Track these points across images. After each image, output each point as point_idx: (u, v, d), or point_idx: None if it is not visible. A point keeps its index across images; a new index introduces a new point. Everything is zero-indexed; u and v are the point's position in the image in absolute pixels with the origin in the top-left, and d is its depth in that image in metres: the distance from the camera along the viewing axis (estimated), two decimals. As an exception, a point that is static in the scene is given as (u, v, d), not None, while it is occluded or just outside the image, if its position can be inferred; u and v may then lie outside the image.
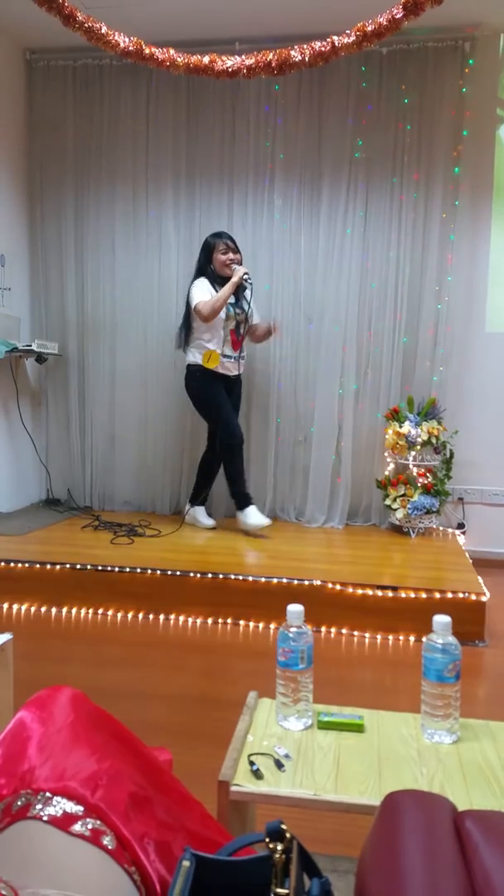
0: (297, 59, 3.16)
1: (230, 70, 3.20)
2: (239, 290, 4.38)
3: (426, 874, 0.84)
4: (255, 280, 4.47)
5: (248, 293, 4.43)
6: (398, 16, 2.96)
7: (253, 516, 4.46)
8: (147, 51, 3.22)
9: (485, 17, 4.44)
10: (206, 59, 3.22)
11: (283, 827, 0.94)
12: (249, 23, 4.49)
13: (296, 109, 4.77)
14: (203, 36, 4.56)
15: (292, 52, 3.15)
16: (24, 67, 5.07)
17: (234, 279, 4.27)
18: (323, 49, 3.14)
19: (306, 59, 3.16)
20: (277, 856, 0.91)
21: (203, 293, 4.32)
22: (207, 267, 4.41)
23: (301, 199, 4.82)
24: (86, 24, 3.12)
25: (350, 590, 3.52)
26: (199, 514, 4.69)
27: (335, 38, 3.12)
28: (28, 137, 5.12)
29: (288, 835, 0.94)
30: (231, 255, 4.38)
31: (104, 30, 3.17)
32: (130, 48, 3.20)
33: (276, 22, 4.45)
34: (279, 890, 0.87)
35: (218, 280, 4.36)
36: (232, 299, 4.36)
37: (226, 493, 4.68)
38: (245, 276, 4.30)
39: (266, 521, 4.48)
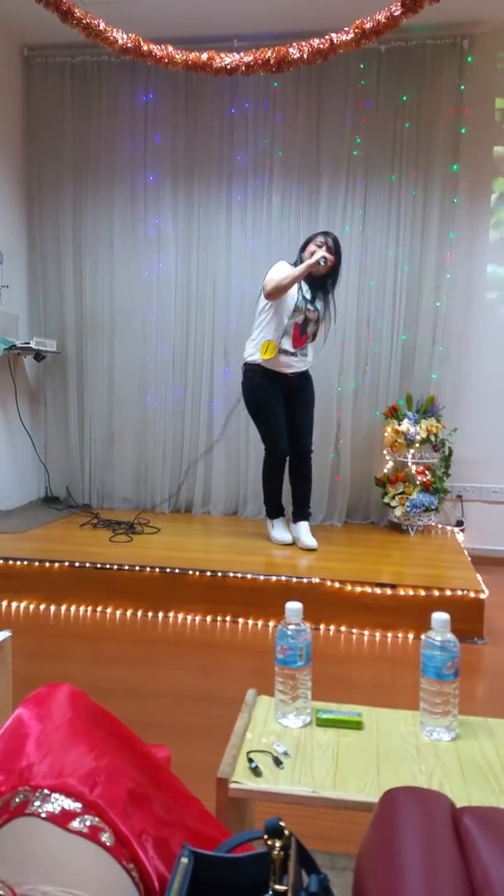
0: (295, 57, 3.16)
1: (229, 67, 3.20)
2: (319, 289, 4.14)
3: (425, 870, 0.84)
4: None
5: (328, 297, 4.17)
6: (397, 13, 2.96)
7: (278, 532, 4.32)
8: (145, 47, 3.22)
9: (483, 15, 4.44)
10: (204, 56, 3.22)
11: (282, 824, 0.94)
12: (248, 20, 4.49)
13: (294, 107, 4.77)
14: (201, 33, 4.56)
15: (291, 50, 3.15)
16: (21, 64, 5.06)
17: (311, 260, 3.93)
18: (321, 46, 3.13)
19: (305, 56, 3.16)
20: (276, 852, 0.91)
21: (277, 271, 4.01)
22: (298, 257, 4.13)
23: (300, 197, 4.82)
24: (84, 21, 3.11)
25: (349, 587, 3.52)
26: (274, 527, 4.38)
27: (334, 35, 3.12)
28: (26, 134, 5.11)
29: (286, 831, 0.94)
30: (321, 247, 4.01)
31: (102, 26, 3.16)
32: (129, 45, 3.20)
33: (274, 19, 4.45)
34: (277, 886, 0.87)
35: (307, 278, 4.08)
36: (309, 294, 4.11)
37: (224, 488, 4.67)
38: (322, 258, 3.94)
39: (287, 539, 4.25)
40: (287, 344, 4.08)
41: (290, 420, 4.24)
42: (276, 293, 3.96)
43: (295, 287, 4.02)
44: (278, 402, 4.16)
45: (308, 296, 4.10)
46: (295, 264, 4.09)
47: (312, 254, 3.99)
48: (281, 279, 3.93)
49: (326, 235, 4.07)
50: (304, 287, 4.09)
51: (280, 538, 4.27)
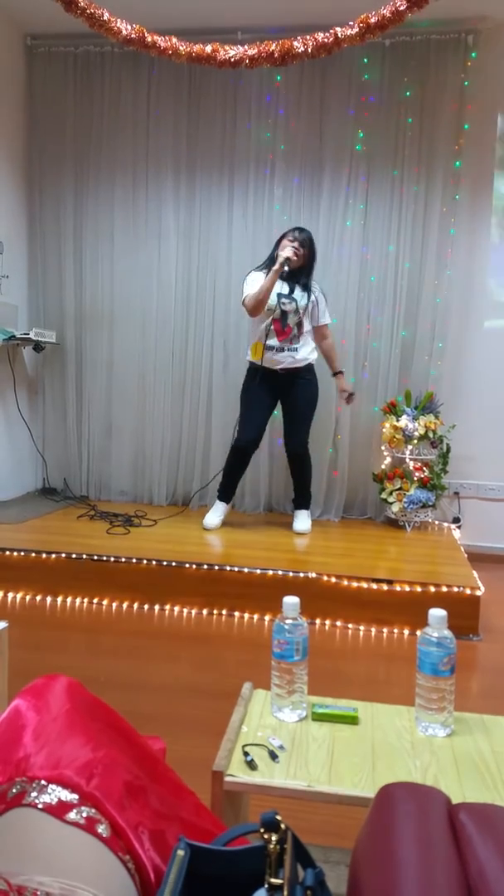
0: (299, 50, 3.15)
1: (232, 60, 3.19)
2: (296, 281, 4.16)
3: (420, 866, 0.85)
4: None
5: (307, 289, 4.18)
6: (402, 8, 2.95)
7: (209, 514, 4.44)
8: (149, 39, 3.21)
9: (488, 11, 4.43)
10: (208, 49, 3.21)
11: (278, 817, 0.94)
12: (252, 13, 4.47)
13: (297, 100, 4.75)
14: (205, 25, 4.54)
15: (295, 43, 3.14)
16: (24, 53, 5.04)
17: (276, 267, 3.98)
18: (326, 40, 3.13)
19: (309, 49, 3.15)
20: (272, 846, 0.91)
21: (250, 285, 4.13)
22: (269, 262, 4.18)
23: (301, 191, 4.80)
24: (87, 11, 3.10)
25: (345, 582, 3.53)
26: (212, 508, 4.50)
27: (338, 29, 3.11)
28: (28, 124, 5.09)
29: (282, 825, 0.94)
30: (293, 242, 4.06)
31: (106, 16, 3.16)
32: (132, 36, 3.19)
33: (278, 12, 4.43)
34: (273, 880, 0.87)
35: (281, 274, 4.09)
36: (286, 289, 4.15)
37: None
38: (286, 259, 3.97)
39: (213, 525, 4.36)
40: (272, 340, 4.16)
41: (285, 418, 4.39)
42: (257, 307, 4.08)
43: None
44: (262, 396, 4.28)
45: (285, 290, 4.16)
46: (268, 260, 4.21)
47: (284, 248, 4.05)
48: (255, 294, 4.05)
49: (296, 231, 4.14)
50: (279, 284, 4.13)
51: (207, 521, 4.39)
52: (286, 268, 4.01)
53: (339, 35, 3.10)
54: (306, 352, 4.24)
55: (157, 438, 5.07)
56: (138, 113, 4.93)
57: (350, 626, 3.50)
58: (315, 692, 1.73)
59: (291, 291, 4.17)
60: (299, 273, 4.16)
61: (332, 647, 3.27)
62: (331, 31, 3.12)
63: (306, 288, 4.20)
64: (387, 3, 2.99)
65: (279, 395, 4.32)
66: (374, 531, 4.63)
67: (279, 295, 4.14)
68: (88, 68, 4.98)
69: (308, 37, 3.16)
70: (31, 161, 5.11)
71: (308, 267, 4.19)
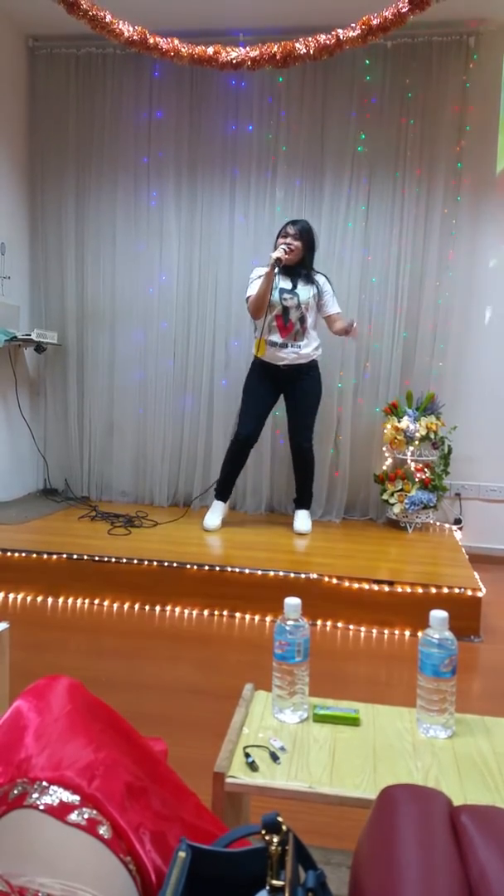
0: (301, 52, 3.15)
1: (234, 61, 3.20)
2: (297, 275, 4.17)
3: (422, 868, 0.85)
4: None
5: (309, 281, 4.18)
6: (404, 10, 2.96)
7: (208, 515, 4.44)
8: (151, 40, 3.21)
9: (490, 13, 4.43)
10: (210, 50, 3.21)
11: (279, 819, 0.94)
12: (254, 14, 4.47)
13: (299, 102, 4.75)
14: (207, 27, 4.54)
15: (297, 45, 3.15)
16: (26, 55, 5.05)
17: (267, 268, 4.00)
18: (328, 42, 3.13)
19: (311, 52, 3.16)
20: (273, 848, 0.91)
21: (250, 288, 4.17)
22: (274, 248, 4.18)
23: (303, 192, 4.81)
24: (90, 13, 3.11)
25: (346, 584, 3.53)
26: (210, 508, 4.50)
27: (340, 31, 3.12)
28: (29, 125, 5.10)
29: (284, 827, 0.94)
30: (282, 240, 4.08)
31: (108, 18, 3.16)
32: (135, 37, 3.19)
33: (280, 14, 4.43)
34: (275, 882, 0.87)
35: (281, 270, 4.14)
36: (288, 284, 4.16)
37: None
38: (273, 261, 3.98)
39: (214, 526, 4.36)
40: (275, 337, 4.18)
41: (288, 414, 4.39)
42: (258, 310, 4.10)
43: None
44: (263, 391, 4.30)
45: (287, 285, 4.16)
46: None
47: (277, 248, 4.07)
48: (254, 298, 4.09)
49: (289, 226, 4.14)
50: (279, 280, 4.13)
51: (206, 522, 4.39)
52: (277, 268, 4.02)
53: (341, 37, 3.11)
54: (311, 348, 4.24)
55: (159, 439, 5.08)
56: (140, 114, 4.94)
57: (351, 627, 3.50)
58: (316, 693, 1.73)
59: (294, 287, 4.17)
60: (299, 266, 4.17)
61: (333, 649, 3.27)
62: (333, 32, 3.12)
63: (309, 280, 4.20)
64: (389, 5, 2.99)
65: (281, 390, 4.33)
66: (376, 532, 4.63)
67: (281, 290, 4.14)
68: (90, 70, 4.98)
69: (310, 38, 3.16)
70: (32, 162, 5.12)
71: (307, 258, 4.18)
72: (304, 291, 4.17)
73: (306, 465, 4.38)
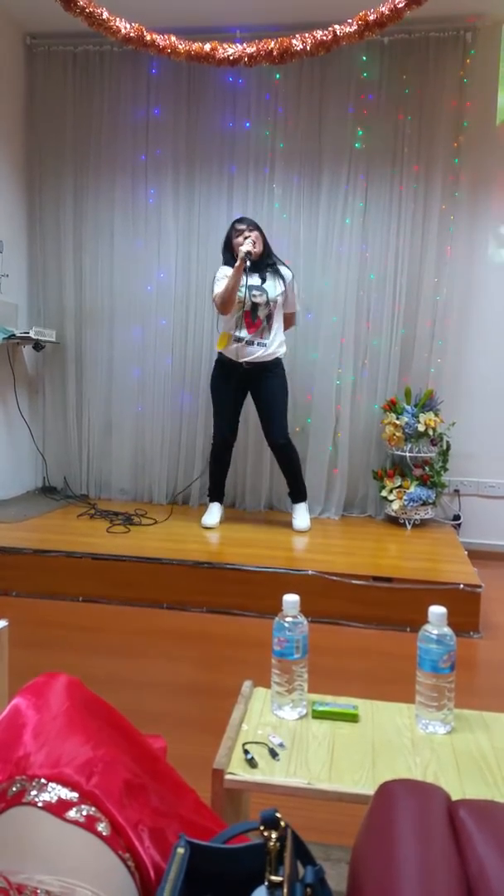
0: (298, 48, 3.14)
1: (231, 58, 3.18)
2: (265, 269, 4.18)
3: (420, 863, 0.85)
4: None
5: (277, 275, 4.19)
6: (401, 5, 2.95)
7: (206, 516, 4.45)
8: (148, 37, 3.20)
9: (487, 8, 4.43)
10: (207, 47, 3.20)
11: (278, 815, 0.94)
12: (251, 10, 4.46)
13: (296, 98, 4.75)
14: (204, 23, 4.53)
15: (294, 41, 3.14)
16: (24, 52, 5.04)
17: (237, 263, 3.99)
18: (324, 38, 3.12)
19: (308, 47, 3.14)
20: (272, 844, 0.91)
21: (217, 284, 4.15)
22: (229, 257, 4.20)
23: (301, 189, 4.80)
24: (87, 10, 3.10)
25: (346, 580, 3.53)
26: (207, 510, 4.51)
27: (337, 27, 3.10)
28: (27, 123, 5.09)
29: (282, 823, 0.94)
30: (241, 239, 4.11)
31: (105, 15, 3.15)
32: (132, 34, 3.18)
33: (277, 10, 4.43)
34: (273, 877, 0.88)
35: (249, 266, 4.12)
36: (257, 280, 4.16)
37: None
38: (246, 254, 4.00)
39: (212, 524, 4.38)
40: (242, 332, 4.17)
41: (259, 414, 4.38)
42: (226, 306, 4.10)
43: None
44: (229, 391, 4.30)
45: (256, 282, 4.16)
46: (228, 256, 4.22)
47: (237, 246, 4.10)
48: (222, 293, 4.08)
49: (241, 224, 4.18)
50: (247, 277, 4.12)
51: (205, 521, 4.40)
52: (247, 262, 4.02)
53: (338, 33, 3.10)
54: (276, 345, 4.24)
55: (157, 437, 5.07)
56: (138, 112, 4.93)
57: (350, 623, 3.50)
58: (315, 690, 1.73)
59: (263, 282, 4.18)
60: (263, 258, 4.18)
61: (332, 645, 3.27)
62: (329, 28, 3.11)
63: (276, 273, 4.21)
64: (385, 1, 2.99)
65: (247, 388, 4.32)
66: (375, 529, 4.63)
67: (250, 287, 4.13)
68: (88, 67, 4.98)
69: (307, 35, 3.15)
70: (30, 160, 5.11)
71: (267, 249, 4.22)
72: (273, 288, 4.18)
73: (290, 460, 4.36)
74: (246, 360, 4.19)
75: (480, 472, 4.87)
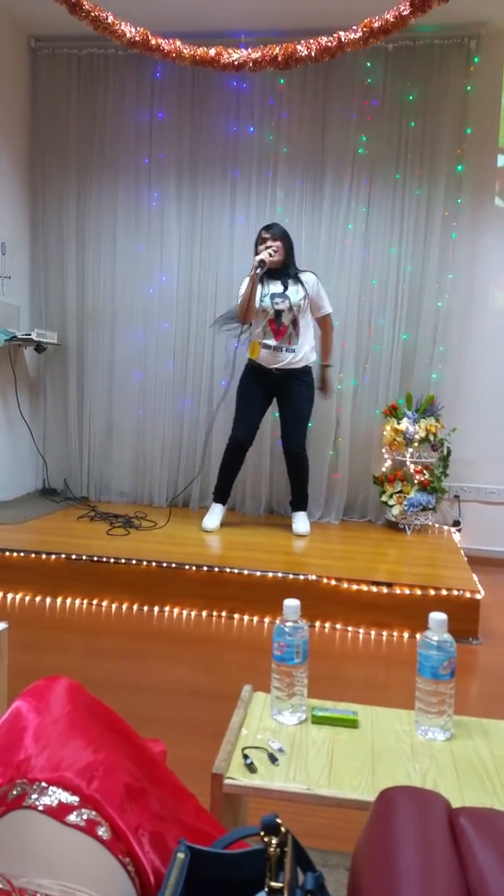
0: (303, 54, 3.16)
1: (236, 63, 3.20)
2: (285, 276, 4.19)
3: (420, 870, 0.85)
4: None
5: (298, 281, 4.19)
6: (405, 13, 2.96)
7: (207, 517, 4.43)
8: (153, 41, 3.22)
9: (491, 16, 4.44)
10: (212, 52, 3.22)
11: (278, 821, 0.94)
12: (256, 16, 4.47)
13: (300, 104, 4.76)
14: (209, 28, 4.54)
15: (298, 47, 3.15)
16: (28, 55, 5.05)
17: (251, 272, 4.06)
18: (329, 44, 3.14)
19: (312, 53, 3.16)
20: (272, 849, 0.91)
21: (239, 296, 4.20)
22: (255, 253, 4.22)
23: (303, 194, 4.81)
24: (92, 14, 3.11)
25: (345, 585, 3.53)
26: (209, 511, 4.51)
27: (342, 33, 3.12)
28: (31, 125, 5.10)
29: (283, 829, 0.94)
30: (262, 247, 4.13)
31: (111, 19, 3.16)
32: (137, 38, 3.19)
33: (282, 16, 4.44)
34: (273, 883, 0.88)
35: (269, 274, 4.16)
36: (279, 288, 4.19)
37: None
38: (257, 264, 4.03)
39: (212, 527, 4.36)
40: (270, 340, 4.21)
41: (281, 419, 4.42)
42: (245, 315, 4.15)
43: (259, 290, 4.13)
44: (256, 394, 4.33)
45: (278, 289, 4.18)
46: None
47: (259, 253, 4.12)
48: (239, 304, 4.14)
49: (265, 230, 4.20)
50: (269, 285, 4.17)
51: (205, 524, 4.39)
52: (258, 270, 4.04)
53: (343, 39, 3.11)
54: (304, 352, 4.25)
55: (158, 440, 5.08)
56: (141, 115, 4.94)
57: (350, 629, 3.50)
58: (315, 695, 1.73)
59: (285, 289, 4.19)
60: (284, 267, 4.20)
61: (331, 650, 3.27)
62: (334, 34, 3.13)
63: (297, 280, 4.22)
64: (390, 8, 3.00)
65: (275, 394, 4.35)
66: (375, 534, 4.63)
67: (272, 295, 4.17)
68: (92, 70, 4.99)
69: (311, 41, 3.17)
70: (34, 162, 5.12)
71: (290, 258, 4.23)
72: (295, 294, 4.19)
73: (300, 470, 4.39)
74: (276, 366, 4.22)
75: (481, 478, 4.87)
